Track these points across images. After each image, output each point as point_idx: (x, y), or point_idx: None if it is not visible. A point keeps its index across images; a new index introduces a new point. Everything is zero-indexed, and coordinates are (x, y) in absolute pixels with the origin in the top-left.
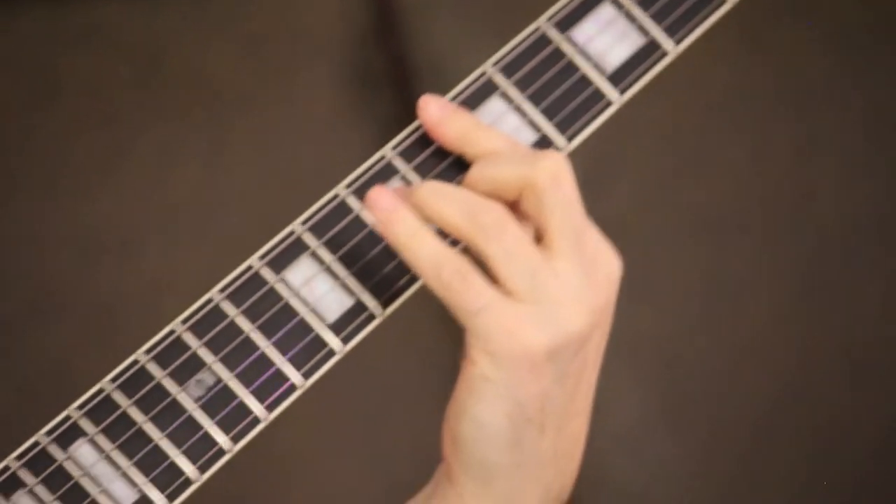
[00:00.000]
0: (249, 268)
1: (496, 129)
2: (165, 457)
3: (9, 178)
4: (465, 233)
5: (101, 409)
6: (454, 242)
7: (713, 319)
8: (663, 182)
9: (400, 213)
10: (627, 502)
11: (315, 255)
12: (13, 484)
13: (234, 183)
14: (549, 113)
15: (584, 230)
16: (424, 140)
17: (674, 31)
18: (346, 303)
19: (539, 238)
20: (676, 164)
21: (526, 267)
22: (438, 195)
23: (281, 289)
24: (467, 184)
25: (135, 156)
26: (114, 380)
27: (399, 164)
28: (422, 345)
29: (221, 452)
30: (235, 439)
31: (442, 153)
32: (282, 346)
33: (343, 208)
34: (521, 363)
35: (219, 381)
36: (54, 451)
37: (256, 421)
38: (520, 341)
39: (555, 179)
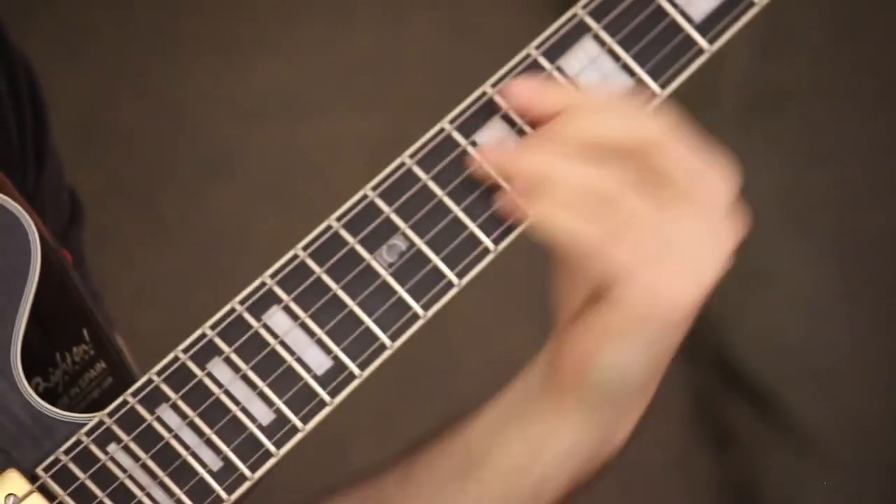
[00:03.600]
0: (441, 131)
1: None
2: (359, 323)
3: (181, 41)
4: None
5: (295, 277)
6: None
7: (890, 186)
8: (840, 48)
9: (542, 187)
10: (801, 367)
11: (507, 118)
12: (209, 351)
13: (409, 45)
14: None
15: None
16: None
17: None
18: None
19: None
20: (855, 28)
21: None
22: (595, 122)
23: (472, 151)
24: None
25: (309, 16)
26: (306, 247)
27: (590, 21)
28: None
29: (415, 318)
30: (427, 306)
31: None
32: (472, 212)
33: (535, 69)
34: (671, 323)
35: (411, 246)
36: (249, 318)
37: (449, 286)
38: (671, 304)
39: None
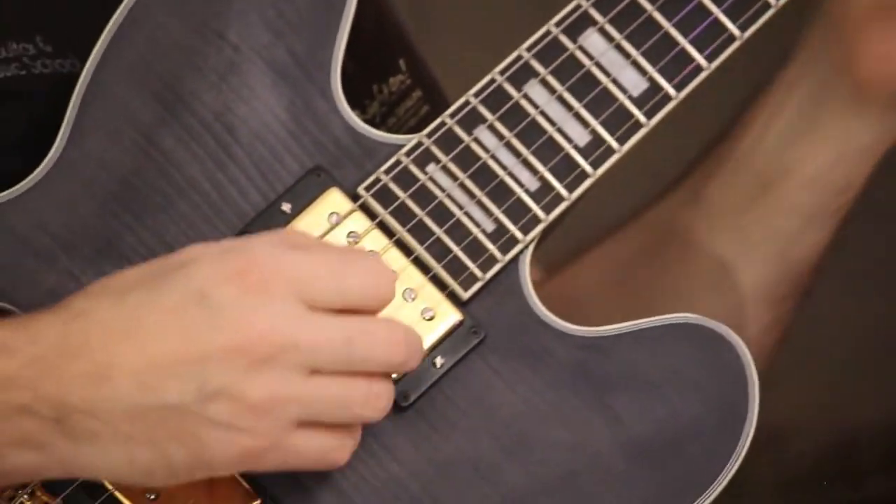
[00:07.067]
0: None
1: None
2: (674, 45)
3: None
4: None
5: None
6: None
7: None
8: None
9: None
10: None
11: None
12: (525, 73)
13: None
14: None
15: None
16: None
17: None
18: None
19: None
20: None
21: None
22: None
23: None
24: None
25: None
26: None
27: None
28: None
29: (731, 40)
30: (744, 27)
31: None
32: None
33: None
34: None
35: None
36: (564, 40)
37: (766, 7)
38: None
39: None
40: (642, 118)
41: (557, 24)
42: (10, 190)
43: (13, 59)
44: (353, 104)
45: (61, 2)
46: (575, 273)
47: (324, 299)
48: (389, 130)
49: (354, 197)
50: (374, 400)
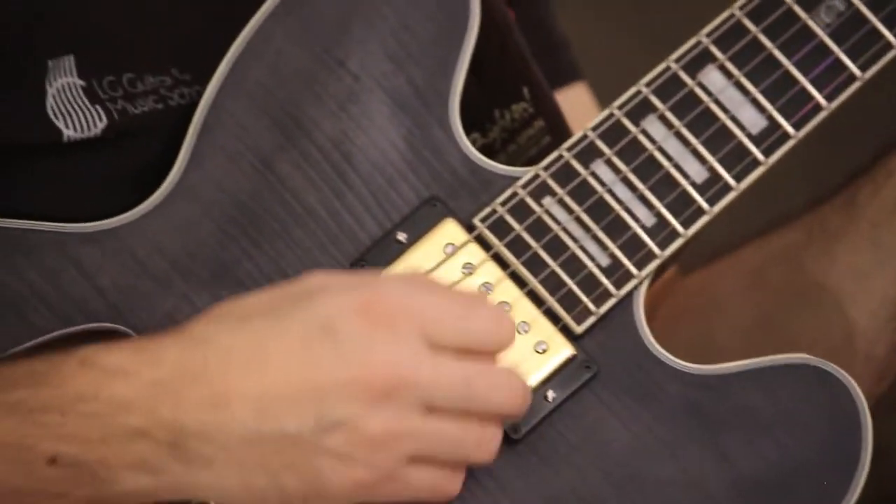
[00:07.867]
0: None
1: None
2: (794, 83)
3: None
4: None
5: (730, 36)
6: None
7: None
8: None
9: None
10: None
11: None
12: (644, 108)
13: None
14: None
15: None
16: None
17: None
18: None
19: None
20: None
21: None
22: None
23: None
24: None
25: None
26: (742, 7)
27: None
28: None
29: (851, 80)
30: (864, 67)
31: None
32: None
33: None
34: None
35: (850, 6)
36: (684, 76)
37: (888, 48)
38: None
39: None
40: (760, 156)
41: (677, 61)
42: (131, 212)
43: (150, 91)
44: (474, 126)
45: (195, 32)
46: (717, 273)
47: (447, 340)
48: (509, 158)
49: (470, 228)
50: (486, 443)
